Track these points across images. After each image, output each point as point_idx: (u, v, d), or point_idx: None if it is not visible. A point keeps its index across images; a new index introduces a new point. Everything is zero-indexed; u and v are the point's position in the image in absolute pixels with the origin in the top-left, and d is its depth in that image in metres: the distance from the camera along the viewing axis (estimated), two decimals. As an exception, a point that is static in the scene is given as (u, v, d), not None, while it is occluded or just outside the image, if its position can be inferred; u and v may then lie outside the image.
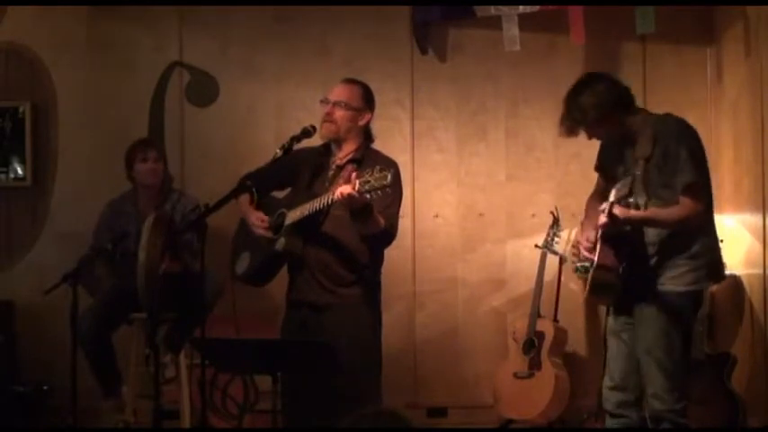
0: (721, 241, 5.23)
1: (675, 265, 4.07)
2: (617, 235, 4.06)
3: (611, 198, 4.00)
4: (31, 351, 5.87)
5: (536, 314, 5.56)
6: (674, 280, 4.07)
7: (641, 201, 4.10)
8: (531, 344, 5.53)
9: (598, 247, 4.09)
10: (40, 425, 5.62)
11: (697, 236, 4.10)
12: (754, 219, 5.26)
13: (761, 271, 5.17)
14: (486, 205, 5.99)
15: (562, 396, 5.47)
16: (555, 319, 5.65)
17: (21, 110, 6.01)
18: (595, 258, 4.08)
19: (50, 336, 5.71)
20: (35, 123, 6.02)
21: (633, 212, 4.02)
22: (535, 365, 5.49)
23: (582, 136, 4.27)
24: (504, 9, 5.64)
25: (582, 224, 4.40)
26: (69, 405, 4.90)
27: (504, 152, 6.00)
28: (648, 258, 4.10)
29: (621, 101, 4.18)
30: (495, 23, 5.70)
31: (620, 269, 4.06)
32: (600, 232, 4.08)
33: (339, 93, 4.38)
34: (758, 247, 5.22)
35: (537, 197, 5.95)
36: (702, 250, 4.11)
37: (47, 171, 6.05)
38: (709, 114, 5.89)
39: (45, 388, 5.68)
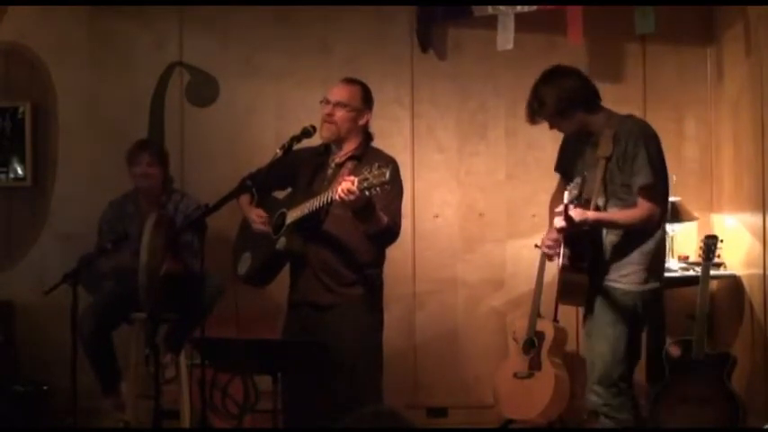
0: (721, 241, 5.28)
1: (626, 263, 4.13)
2: (577, 235, 4.10)
3: (565, 200, 4.05)
4: (31, 351, 5.87)
5: (536, 314, 5.55)
6: (623, 278, 4.14)
7: (600, 201, 4.14)
8: (531, 344, 5.52)
9: (561, 249, 4.13)
10: (40, 425, 5.62)
11: (649, 236, 4.16)
12: (755, 219, 5.26)
13: (761, 271, 5.17)
14: (486, 205, 5.99)
15: (562, 396, 5.47)
16: (555, 319, 5.64)
17: (21, 110, 6.01)
18: (559, 260, 4.11)
19: (50, 336, 5.71)
20: (35, 123, 6.02)
21: (590, 213, 4.07)
22: (535, 365, 5.49)
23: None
24: (502, 8, 5.64)
25: (549, 225, 4.44)
26: (69, 405, 4.90)
27: (504, 151, 6.00)
28: (605, 259, 4.15)
29: (583, 99, 4.20)
30: (494, 23, 5.69)
31: (583, 268, 4.11)
32: (560, 235, 4.12)
33: (339, 93, 4.37)
34: (758, 247, 5.22)
35: (537, 197, 5.92)
36: (653, 251, 4.17)
37: (47, 171, 6.05)
38: (709, 114, 5.89)
39: (45, 388, 5.67)
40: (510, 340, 5.69)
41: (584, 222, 4.04)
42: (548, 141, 5.93)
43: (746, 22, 5.36)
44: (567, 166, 4.39)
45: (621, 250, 4.14)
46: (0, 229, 6.06)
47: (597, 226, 4.12)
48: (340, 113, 4.33)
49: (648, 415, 5.17)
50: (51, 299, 5.00)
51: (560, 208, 4.04)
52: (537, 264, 5.64)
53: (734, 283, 5.51)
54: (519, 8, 5.60)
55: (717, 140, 5.82)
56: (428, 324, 5.98)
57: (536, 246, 5.66)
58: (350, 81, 4.45)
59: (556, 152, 5.91)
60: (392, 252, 4.50)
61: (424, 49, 5.96)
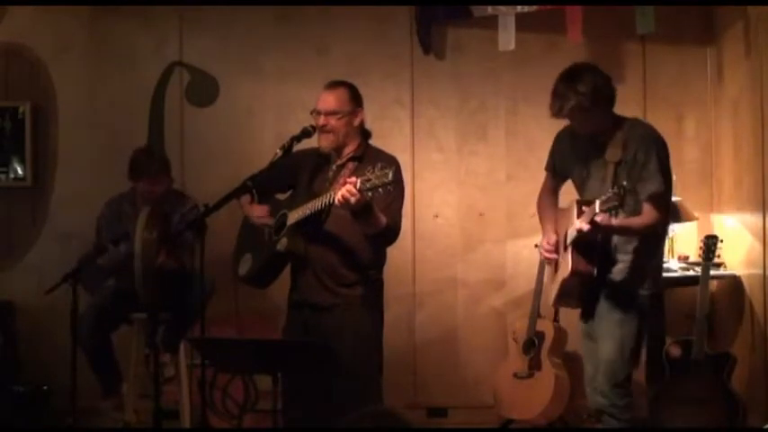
0: (721, 241, 5.28)
1: (628, 268, 4.15)
2: (588, 241, 4.09)
3: (597, 207, 3.91)
4: (31, 351, 5.87)
5: (536, 314, 5.55)
6: (625, 282, 4.15)
7: None
8: (531, 344, 5.52)
9: (569, 253, 4.12)
10: (40, 425, 5.62)
11: (656, 243, 4.21)
12: (755, 218, 5.26)
13: (761, 271, 5.17)
14: (486, 205, 5.99)
15: (562, 396, 5.47)
16: (555, 319, 5.64)
17: (21, 110, 6.01)
18: (569, 265, 4.11)
19: (50, 336, 5.71)
20: (35, 123, 6.02)
21: (614, 220, 4.03)
22: (535, 365, 5.49)
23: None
24: (502, 9, 5.64)
25: (543, 227, 4.44)
26: (69, 405, 4.90)
27: (504, 151, 6.00)
28: (613, 263, 4.17)
29: (611, 96, 4.18)
30: (494, 23, 5.69)
31: (593, 274, 4.13)
32: (570, 238, 4.12)
33: (328, 102, 4.32)
34: (758, 247, 5.22)
35: (537, 197, 5.93)
36: (657, 257, 4.25)
37: (47, 171, 6.05)
38: (709, 114, 5.89)
39: (45, 388, 5.67)
40: (510, 340, 5.69)
41: (608, 229, 4.02)
42: (548, 142, 5.94)
43: (746, 22, 5.36)
44: (562, 167, 4.38)
45: (621, 254, 4.16)
46: (0, 229, 6.06)
47: (616, 233, 4.12)
48: (334, 122, 4.30)
49: (648, 415, 5.17)
50: (51, 299, 4.99)
51: (586, 211, 3.98)
52: (537, 264, 5.65)
53: (734, 283, 5.51)
54: (519, 8, 5.61)
55: (717, 140, 5.82)
56: (428, 324, 5.98)
57: (536, 246, 5.68)
58: (334, 86, 4.39)
59: (556, 152, 5.96)
60: (392, 252, 4.50)
61: (426, 51, 5.96)
